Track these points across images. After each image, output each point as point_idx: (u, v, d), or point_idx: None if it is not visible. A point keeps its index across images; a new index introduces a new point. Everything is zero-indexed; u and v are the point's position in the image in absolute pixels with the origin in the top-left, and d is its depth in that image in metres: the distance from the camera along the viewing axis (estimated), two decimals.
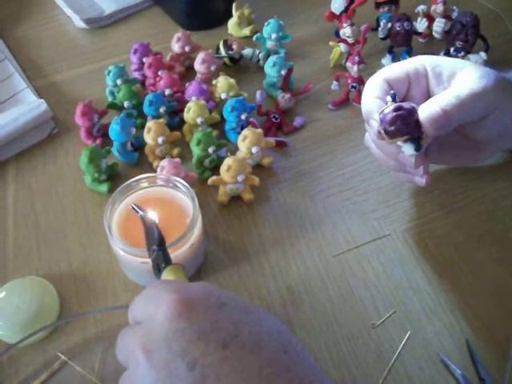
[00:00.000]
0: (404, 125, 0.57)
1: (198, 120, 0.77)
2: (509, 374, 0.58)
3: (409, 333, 0.61)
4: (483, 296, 0.64)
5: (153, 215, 0.62)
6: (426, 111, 0.58)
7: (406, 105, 0.58)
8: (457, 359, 0.59)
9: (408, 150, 0.59)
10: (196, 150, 0.74)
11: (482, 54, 0.88)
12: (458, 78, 0.62)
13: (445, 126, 0.58)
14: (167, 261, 0.54)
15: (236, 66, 0.94)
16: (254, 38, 0.94)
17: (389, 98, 0.60)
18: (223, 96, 0.82)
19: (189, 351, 0.41)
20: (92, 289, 0.66)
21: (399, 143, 0.59)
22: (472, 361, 0.59)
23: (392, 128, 0.58)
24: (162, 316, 0.43)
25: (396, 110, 0.58)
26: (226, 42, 0.92)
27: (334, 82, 0.88)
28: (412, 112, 0.58)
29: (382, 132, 0.59)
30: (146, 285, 0.62)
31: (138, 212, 0.59)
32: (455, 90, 0.60)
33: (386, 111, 0.58)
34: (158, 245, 0.55)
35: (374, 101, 0.62)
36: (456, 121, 0.59)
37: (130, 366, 0.44)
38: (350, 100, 0.87)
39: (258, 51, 0.93)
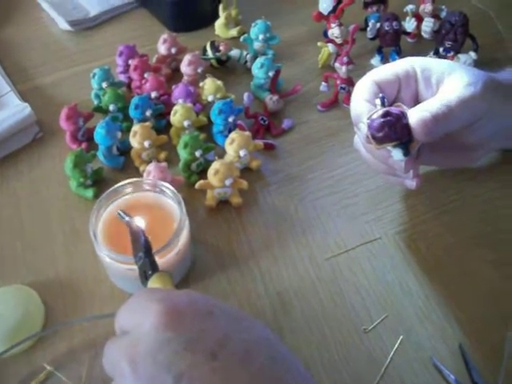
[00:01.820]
0: (392, 131, 0.56)
1: (185, 123, 0.76)
2: (503, 379, 0.57)
3: (401, 337, 0.61)
4: (476, 299, 0.64)
5: (139, 221, 0.61)
6: (416, 117, 0.57)
7: (394, 110, 0.57)
8: (450, 363, 0.58)
9: (397, 155, 0.59)
10: (183, 154, 0.73)
11: (472, 54, 0.87)
12: (447, 84, 0.62)
13: (435, 133, 0.58)
14: (154, 268, 0.53)
15: (223, 67, 0.93)
16: (242, 39, 0.93)
17: (378, 102, 0.59)
18: (210, 98, 0.81)
19: (175, 363, 0.40)
20: (78, 296, 0.65)
21: (388, 148, 0.58)
22: (465, 365, 0.58)
23: (380, 134, 0.57)
24: (147, 326, 0.42)
25: (384, 115, 0.57)
26: (212, 44, 0.91)
27: (323, 83, 0.88)
28: (400, 117, 0.57)
29: (370, 137, 0.58)
30: (134, 292, 0.61)
31: (124, 218, 0.58)
32: (445, 97, 0.59)
33: (374, 117, 0.57)
34: (144, 252, 0.54)
35: (363, 104, 0.61)
36: (445, 128, 0.59)
37: (115, 377, 0.43)
38: (339, 101, 0.87)
39: (245, 52, 0.92)
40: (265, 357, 0.42)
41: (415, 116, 0.57)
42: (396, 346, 0.60)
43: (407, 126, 0.57)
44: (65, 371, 0.59)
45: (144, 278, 0.54)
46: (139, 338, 0.42)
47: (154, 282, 0.52)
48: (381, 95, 0.59)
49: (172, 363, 0.40)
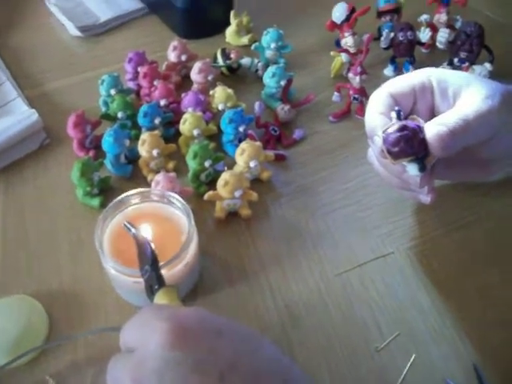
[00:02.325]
0: (408, 146, 0.55)
1: (195, 132, 0.75)
2: None
3: (413, 356, 0.59)
4: (490, 317, 0.62)
5: (146, 233, 0.60)
6: (432, 131, 0.56)
7: (410, 124, 0.56)
8: None
9: (412, 170, 0.57)
10: (192, 164, 0.72)
11: (487, 65, 0.86)
12: (464, 97, 0.61)
13: (452, 147, 0.57)
14: (160, 282, 0.52)
15: (234, 75, 0.92)
16: (253, 47, 0.92)
17: (393, 115, 0.57)
18: (220, 107, 0.80)
19: None
20: (83, 308, 0.64)
21: (403, 163, 0.57)
22: None
23: (396, 149, 0.55)
24: (153, 345, 0.40)
25: (400, 129, 0.55)
26: (223, 51, 0.90)
27: (335, 94, 0.86)
28: (417, 132, 0.56)
29: (385, 152, 0.56)
30: (140, 305, 0.60)
31: (130, 230, 0.57)
32: (462, 111, 0.58)
33: (390, 131, 0.56)
34: (150, 265, 0.53)
35: (378, 117, 0.60)
36: (463, 142, 0.58)
37: None
38: (351, 112, 0.85)
39: (256, 60, 0.91)
40: (275, 378, 0.41)
41: (432, 130, 0.56)
42: (408, 365, 0.58)
43: (424, 141, 0.56)
44: None
45: (150, 292, 0.53)
46: (145, 357, 0.41)
47: (160, 297, 0.51)
48: (397, 108, 0.57)
49: None
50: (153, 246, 0.55)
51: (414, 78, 0.63)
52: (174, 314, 0.43)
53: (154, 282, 0.52)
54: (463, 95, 0.61)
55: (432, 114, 0.63)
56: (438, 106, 0.63)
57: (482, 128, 0.58)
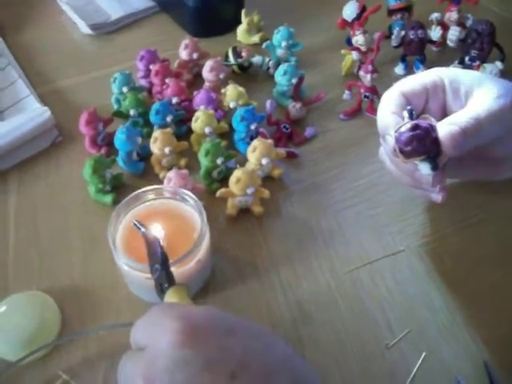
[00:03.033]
0: (421, 145, 0.55)
1: (207, 130, 0.76)
2: None
3: (424, 353, 0.59)
4: (501, 315, 0.62)
5: (157, 231, 0.60)
6: (444, 130, 0.56)
7: (423, 123, 0.56)
8: (474, 382, 0.57)
9: (425, 169, 0.57)
10: (204, 161, 0.72)
11: (498, 64, 0.86)
12: (476, 97, 0.60)
13: (464, 146, 0.56)
14: (170, 280, 0.53)
15: (245, 73, 0.93)
16: (264, 46, 0.92)
17: (405, 114, 0.57)
18: (232, 105, 0.81)
19: (193, 383, 0.39)
20: (95, 304, 0.64)
21: (415, 162, 0.57)
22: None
23: (408, 148, 0.55)
24: (165, 344, 0.40)
25: (413, 129, 0.55)
26: (234, 50, 0.91)
27: (346, 92, 0.87)
28: (429, 131, 0.56)
29: (398, 151, 0.57)
30: (151, 300, 0.61)
31: (139, 229, 0.57)
32: (473, 110, 0.58)
33: (402, 130, 0.56)
34: (160, 264, 0.53)
35: (390, 116, 0.60)
36: (475, 141, 0.57)
37: None
38: (362, 110, 0.85)
39: (267, 59, 0.92)
40: (286, 377, 0.41)
41: (444, 129, 0.56)
42: (419, 362, 0.58)
43: (436, 140, 0.56)
44: (80, 380, 0.58)
45: (160, 290, 0.53)
46: (156, 356, 0.41)
47: (170, 296, 0.51)
48: (409, 107, 0.57)
49: (190, 383, 0.39)
50: (162, 244, 0.55)
51: (425, 77, 0.63)
52: (184, 313, 0.43)
53: (164, 280, 0.53)
54: (475, 94, 0.61)
55: (444, 113, 0.63)
56: (450, 105, 0.63)
57: (493, 127, 0.58)
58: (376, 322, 0.62)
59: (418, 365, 0.58)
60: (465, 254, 0.68)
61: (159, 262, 0.53)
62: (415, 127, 0.55)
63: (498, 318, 0.62)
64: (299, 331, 0.61)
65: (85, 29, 1.03)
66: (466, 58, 0.88)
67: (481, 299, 0.63)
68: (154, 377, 0.40)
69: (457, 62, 0.90)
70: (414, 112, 0.57)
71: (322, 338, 0.61)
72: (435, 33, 0.92)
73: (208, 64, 0.85)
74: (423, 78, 0.63)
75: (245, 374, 0.39)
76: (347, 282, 0.65)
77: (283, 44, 0.90)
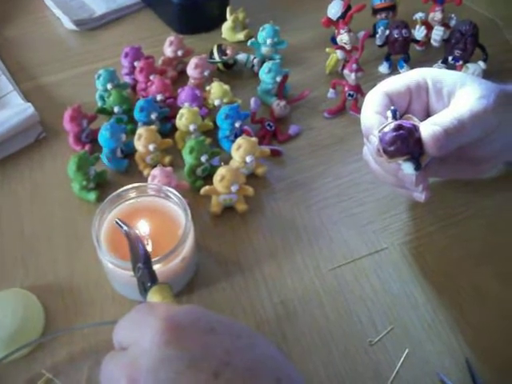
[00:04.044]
0: (404, 145, 0.56)
1: (191, 127, 0.76)
2: None
3: (407, 350, 0.60)
4: (484, 313, 0.63)
5: (141, 228, 0.60)
6: (427, 131, 0.57)
7: (406, 123, 0.57)
8: (457, 379, 0.58)
9: (407, 168, 0.58)
10: (188, 159, 0.72)
11: (481, 64, 0.86)
12: (459, 97, 0.61)
13: (447, 147, 0.57)
14: (153, 279, 0.52)
15: (230, 71, 0.92)
16: (249, 43, 0.92)
17: (389, 114, 0.58)
18: (217, 103, 0.81)
19: (177, 381, 0.39)
20: (79, 302, 0.64)
21: (399, 162, 0.58)
22: (472, 380, 0.57)
23: (391, 148, 0.56)
24: (148, 343, 0.41)
25: (396, 129, 0.56)
26: (219, 47, 0.90)
27: (331, 90, 0.87)
28: (412, 131, 0.56)
29: (381, 151, 0.57)
30: (135, 298, 0.60)
31: (122, 227, 0.57)
32: (456, 110, 0.59)
33: (386, 130, 0.57)
34: (143, 262, 0.53)
35: (373, 116, 0.60)
36: (457, 142, 0.58)
37: None
38: (346, 108, 0.86)
39: (252, 57, 0.91)
40: (268, 376, 0.41)
41: (427, 130, 0.57)
42: (402, 359, 0.59)
43: (419, 140, 0.56)
44: (64, 378, 0.58)
45: (143, 289, 0.53)
46: (139, 355, 0.41)
47: (153, 295, 0.51)
48: (392, 108, 0.58)
49: (174, 382, 0.39)
50: (145, 242, 0.55)
51: (409, 77, 0.64)
52: (167, 312, 0.43)
53: (147, 279, 0.52)
54: (457, 94, 0.61)
55: (427, 113, 0.64)
56: (433, 105, 0.64)
57: (476, 128, 0.59)
58: (359, 320, 0.62)
59: (401, 361, 0.59)
60: (448, 251, 0.68)
61: (142, 260, 0.53)
62: (399, 127, 0.56)
63: (480, 316, 0.62)
64: (283, 328, 0.62)
65: (69, 24, 1.02)
66: (450, 58, 0.88)
67: (464, 297, 0.64)
68: (137, 376, 0.40)
69: (440, 61, 0.90)
70: (397, 112, 0.58)
71: (306, 335, 0.61)
72: (419, 32, 0.92)
73: (193, 61, 0.85)
74: (407, 78, 0.64)
75: (228, 371, 0.40)
76: (331, 280, 0.66)
77: (268, 42, 0.90)
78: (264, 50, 0.91)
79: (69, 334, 0.61)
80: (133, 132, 0.77)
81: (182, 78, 0.90)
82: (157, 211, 0.64)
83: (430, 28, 0.93)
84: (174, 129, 0.79)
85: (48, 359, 0.59)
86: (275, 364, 0.43)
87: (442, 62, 0.90)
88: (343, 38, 0.87)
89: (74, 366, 0.59)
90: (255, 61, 0.91)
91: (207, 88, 0.82)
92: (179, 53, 0.89)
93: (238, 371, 0.40)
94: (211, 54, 0.91)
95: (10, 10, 1.08)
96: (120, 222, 0.57)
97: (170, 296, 0.51)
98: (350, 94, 0.84)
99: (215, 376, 0.39)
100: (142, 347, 0.41)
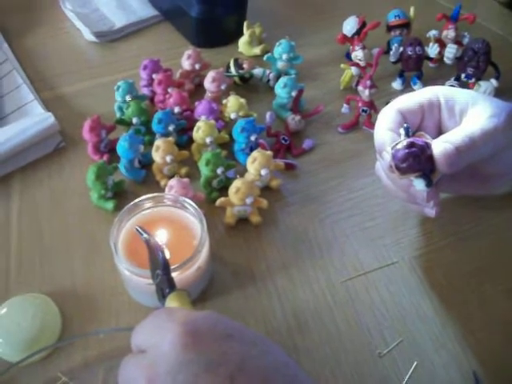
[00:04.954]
0: (416, 162, 0.57)
1: (207, 140, 0.77)
2: None
3: (415, 363, 0.60)
4: (491, 328, 0.63)
5: (160, 237, 0.61)
6: (439, 149, 0.58)
7: (418, 141, 0.58)
8: None
9: (419, 185, 0.59)
10: (204, 171, 0.73)
11: (493, 81, 0.87)
12: (470, 115, 0.62)
13: (458, 164, 0.58)
14: (171, 286, 0.53)
15: (246, 85, 0.94)
16: (265, 58, 0.93)
17: (402, 131, 0.59)
18: (233, 116, 0.82)
19: None
20: (95, 308, 0.65)
21: (411, 178, 0.59)
22: None
23: (404, 165, 0.57)
24: (167, 346, 0.42)
25: (408, 146, 0.57)
26: (236, 61, 0.92)
27: (345, 105, 0.88)
28: (424, 149, 0.57)
29: (394, 167, 0.58)
30: (151, 306, 0.61)
31: (142, 235, 0.58)
32: (468, 129, 0.60)
33: (399, 147, 0.58)
34: (162, 269, 0.54)
35: (386, 133, 0.62)
36: (468, 159, 0.59)
37: None
38: (359, 124, 0.87)
39: (268, 71, 0.93)
40: (281, 383, 0.42)
41: (439, 148, 0.58)
42: (410, 371, 0.60)
43: (431, 157, 0.58)
44: (79, 382, 0.59)
45: (161, 295, 0.54)
46: (158, 358, 0.42)
47: (171, 301, 0.52)
48: (405, 125, 0.59)
49: None
50: (164, 250, 0.56)
51: (422, 95, 0.65)
52: (186, 317, 0.44)
53: (166, 285, 0.53)
54: (469, 113, 0.62)
55: (439, 130, 0.65)
56: (445, 122, 0.65)
57: (487, 146, 0.60)
58: (369, 331, 0.63)
59: (409, 373, 0.59)
60: (457, 266, 0.69)
61: (161, 267, 0.54)
62: (411, 145, 0.57)
63: (487, 329, 0.63)
64: (294, 338, 0.62)
65: (89, 36, 1.04)
66: (462, 75, 0.89)
67: (472, 311, 0.65)
68: (156, 378, 0.41)
69: (453, 78, 0.91)
70: (410, 129, 0.59)
71: (317, 345, 0.62)
72: (433, 50, 0.94)
73: (210, 75, 0.86)
74: (419, 96, 0.65)
75: (243, 376, 0.41)
76: (342, 292, 0.67)
77: (284, 57, 0.91)
78: (280, 64, 0.93)
79: (84, 340, 0.62)
80: (150, 143, 0.78)
81: (199, 90, 0.92)
82: (173, 221, 0.65)
83: (443, 45, 0.95)
84: (191, 141, 0.81)
85: (64, 363, 0.60)
86: (288, 371, 0.44)
87: (455, 80, 0.91)
88: (358, 54, 0.88)
89: (88, 370, 0.60)
90: (271, 75, 0.92)
91: (224, 101, 0.84)
92: (197, 66, 0.91)
93: (253, 377, 0.41)
94: (228, 67, 0.92)
95: (31, 21, 1.10)
96: (140, 230, 0.59)
97: (188, 302, 0.52)
98: (363, 110, 0.85)
99: (231, 380, 0.40)
100: (161, 350, 0.42)
